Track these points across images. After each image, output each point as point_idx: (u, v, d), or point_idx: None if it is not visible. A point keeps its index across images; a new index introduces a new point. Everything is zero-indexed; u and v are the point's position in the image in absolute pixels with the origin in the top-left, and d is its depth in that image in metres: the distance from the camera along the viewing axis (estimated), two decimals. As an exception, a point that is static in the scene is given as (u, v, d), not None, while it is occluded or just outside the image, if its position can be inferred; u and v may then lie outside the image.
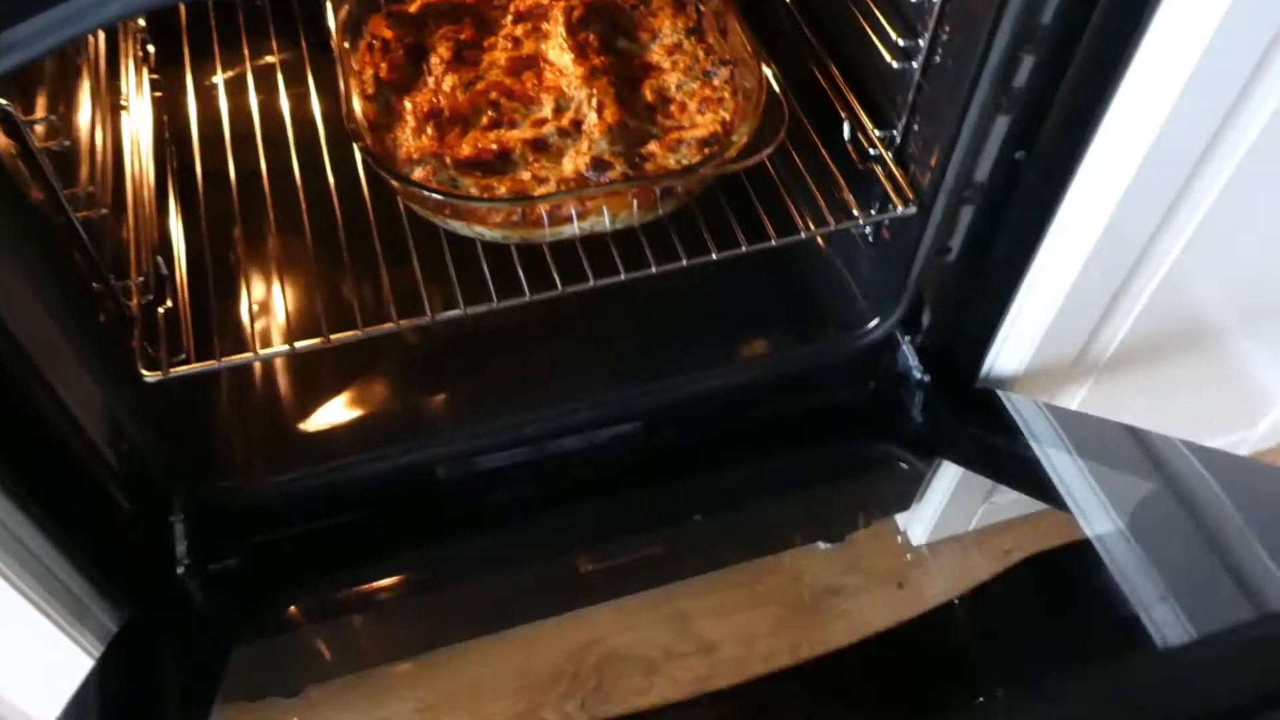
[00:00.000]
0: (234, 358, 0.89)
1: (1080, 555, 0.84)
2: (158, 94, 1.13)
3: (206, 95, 1.11)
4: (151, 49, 1.11)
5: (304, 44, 1.16)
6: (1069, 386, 1.17)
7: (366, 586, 1.09)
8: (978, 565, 1.45)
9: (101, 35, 1.01)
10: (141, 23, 1.12)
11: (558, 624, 1.35)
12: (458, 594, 1.13)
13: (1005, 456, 1.07)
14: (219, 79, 1.14)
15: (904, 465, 1.22)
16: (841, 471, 1.23)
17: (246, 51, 1.15)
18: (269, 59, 1.16)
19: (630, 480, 1.13)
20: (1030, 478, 1.01)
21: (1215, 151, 0.89)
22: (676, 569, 1.31)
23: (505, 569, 1.12)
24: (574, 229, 0.93)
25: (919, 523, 1.42)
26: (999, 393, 1.10)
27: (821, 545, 1.45)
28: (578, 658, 1.35)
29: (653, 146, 0.96)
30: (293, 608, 1.07)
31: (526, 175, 0.94)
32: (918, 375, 1.12)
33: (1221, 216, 0.97)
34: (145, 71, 1.08)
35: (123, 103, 1.01)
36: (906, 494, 1.34)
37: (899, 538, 1.47)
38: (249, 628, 1.05)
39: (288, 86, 1.10)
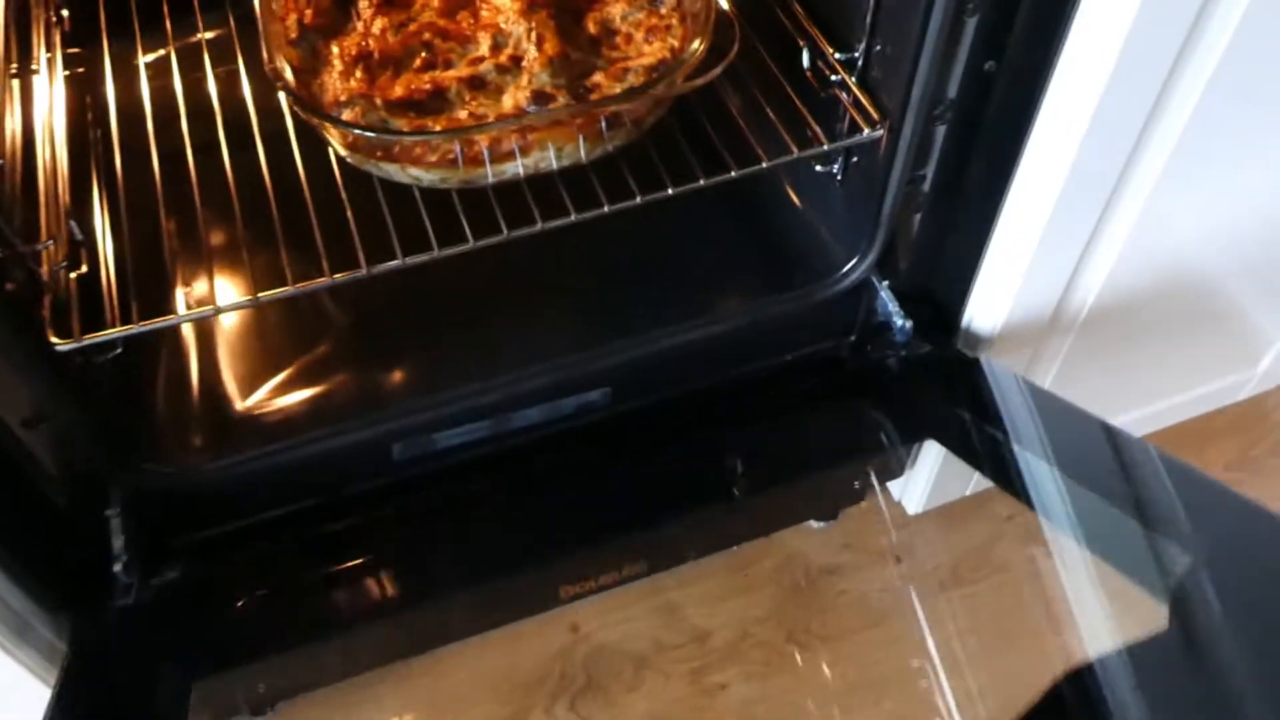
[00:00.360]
0: (153, 321, 0.82)
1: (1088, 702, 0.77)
2: (80, 69, 1.08)
3: (128, 69, 1.04)
4: (66, 13, 1.05)
5: (231, 18, 1.10)
6: (1055, 336, 1.12)
7: (328, 590, 1.01)
8: (978, 533, 1.39)
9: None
10: (54, -12, 1.06)
11: (541, 622, 1.29)
12: (428, 598, 1.05)
13: (987, 451, 1.01)
14: (139, 51, 1.07)
15: (886, 437, 1.16)
16: (827, 442, 1.16)
17: (169, 23, 1.09)
18: (195, 37, 1.10)
19: (602, 461, 1.07)
20: (1010, 481, 0.96)
21: (1190, 54, 0.84)
22: (661, 559, 1.24)
23: (476, 570, 1.05)
24: (517, 167, 0.87)
25: (913, 491, 1.36)
26: (981, 361, 1.04)
27: (814, 524, 1.38)
28: (564, 656, 1.29)
29: (598, 77, 0.90)
30: (247, 616, 1.00)
31: (463, 114, 0.88)
32: (899, 321, 1.07)
33: (1199, 134, 0.92)
34: (59, 36, 1.02)
35: (34, 67, 0.95)
36: (897, 462, 1.28)
37: (894, 508, 1.40)
38: (202, 642, 0.98)
39: (214, 62, 1.04)
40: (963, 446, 1.07)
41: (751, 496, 1.14)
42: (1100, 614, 0.95)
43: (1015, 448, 0.95)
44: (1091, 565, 0.88)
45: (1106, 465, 0.89)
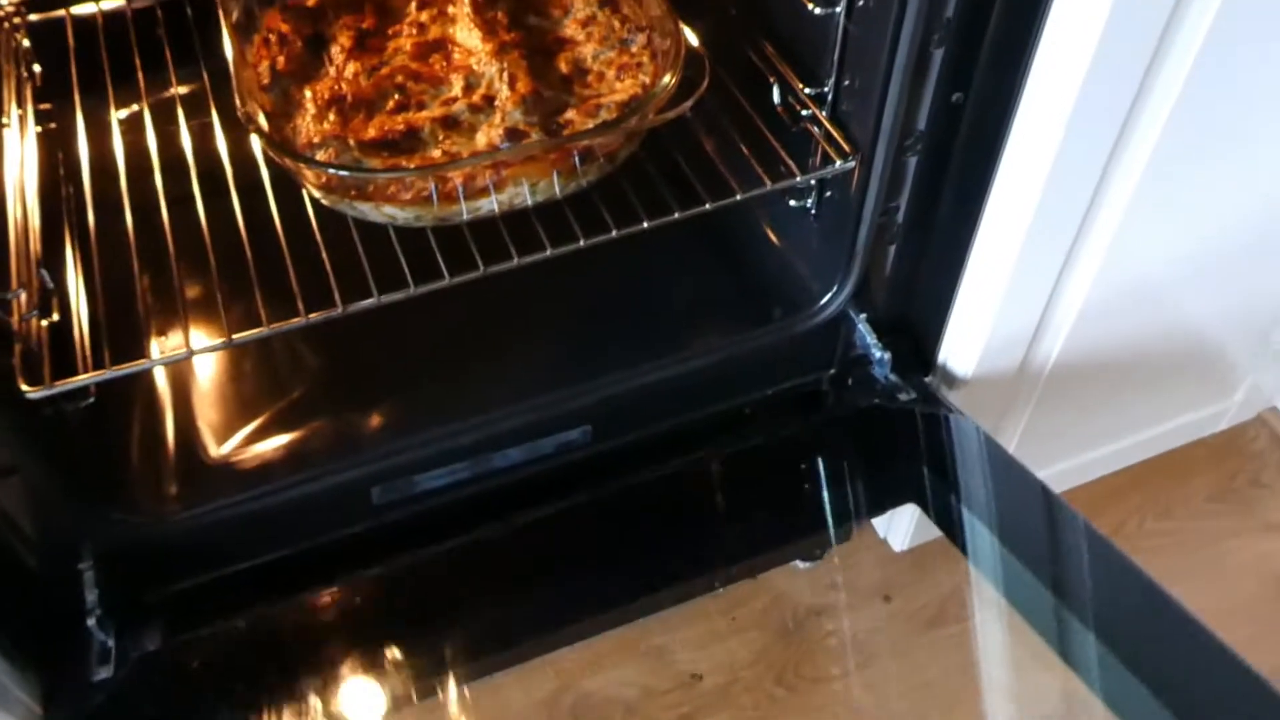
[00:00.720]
0: (126, 365, 0.81)
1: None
2: (51, 124, 1.08)
3: (100, 123, 1.04)
4: (38, 69, 1.06)
5: (204, 74, 1.10)
6: (1032, 370, 1.12)
7: (310, 655, 0.99)
8: (967, 569, 1.38)
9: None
10: (26, 43, 1.06)
11: (526, 670, 1.27)
12: (409, 647, 1.03)
13: (939, 506, 1.06)
14: (111, 105, 1.06)
15: (854, 505, 1.15)
16: (808, 484, 1.16)
17: (141, 75, 1.09)
18: (168, 91, 1.10)
19: (584, 505, 1.05)
20: (955, 537, 1.02)
21: (1160, 65, 0.85)
22: (647, 603, 1.22)
23: (460, 617, 1.03)
24: (492, 203, 0.87)
25: (898, 528, 1.35)
26: (950, 420, 1.05)
27: (800, 564, 1.37)
28: (551, 705, 1.26)
29: (570, 114, 0.91)
30: (232, 689, 0.97)
31: (437, 153, 0.88)
32: (877, 353, 1.07)
33: (1165, 159, 0.93)
34: (31, 93, 1.02)
35: (4, 120, 0.95)
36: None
37: (880, 546, 1.39)
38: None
39: (188, 115, 1.03)
40: (923, 503, 1.09)
41: (732, 537, 1.13)
42: (1009, 671, 1.15)
43: (964, 511, 1.01)
44: (1009, 616, 0.99)
45: (1039, 536, 0.96)
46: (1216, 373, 1.34)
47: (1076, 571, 0.92)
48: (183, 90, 1.08)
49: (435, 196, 0.85)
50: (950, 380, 1.10)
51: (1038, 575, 0.93)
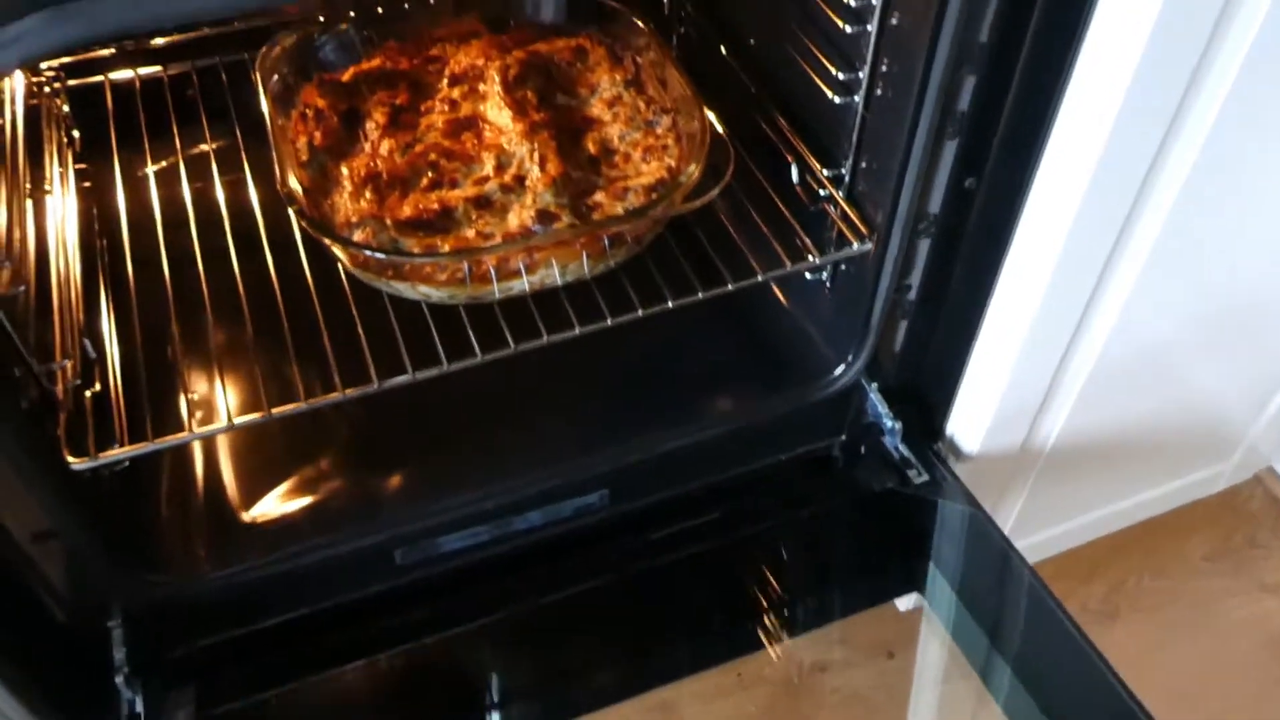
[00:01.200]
0: (167, 438, 0.83)
1: None
2: (86, 184, 1.10)
3: (136, 182, 1.07)
4: (77, 134, 1.08)
5: (238, 131, 1.13)
6: (1038, 440, 1.15)
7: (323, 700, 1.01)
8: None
9: (21, 118, 0.98)
10: (66, 108, 1.09)
11: (535, 723, 1.28)
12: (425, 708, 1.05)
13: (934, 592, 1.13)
14: (148, 161, 1.10)
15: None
16: (819, 576, 1.19)
17: (176, 135, 1.12)
18: (202, 147, 1.13)
19: (602, 571, 1.08)
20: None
21: (1164, 159, 0.89)
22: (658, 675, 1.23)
23: (476, 682, 1.05)
24: (523, 284, 0.90)
25: (903, 586, 1.37)
26: (949, 508, 1.10)
27: (805, 619, 1.39)
28: (559, 758, 1.27)
29: (599, 196, 0.94)
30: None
31: (471, 233, 0.91)
32: (888, 423, 1.09)
33: (1175, 237, 0.96)
34: (70, 156, 1.05)
35: (46, 187, 0.97)
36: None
37: (884, 604, 1.41)
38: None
39: (221, 172, 1.06)
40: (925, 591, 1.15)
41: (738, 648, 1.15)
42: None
43: (932, 565, 1.11)
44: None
45: (991, 591, 1.07)
46: (1216, 436, 1.37)
47: (1013, 623, 1.05)
48: (215, 147, 1.10)
49: (469, 278, 0.87)
50: (957, 451, 1.13)
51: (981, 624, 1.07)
